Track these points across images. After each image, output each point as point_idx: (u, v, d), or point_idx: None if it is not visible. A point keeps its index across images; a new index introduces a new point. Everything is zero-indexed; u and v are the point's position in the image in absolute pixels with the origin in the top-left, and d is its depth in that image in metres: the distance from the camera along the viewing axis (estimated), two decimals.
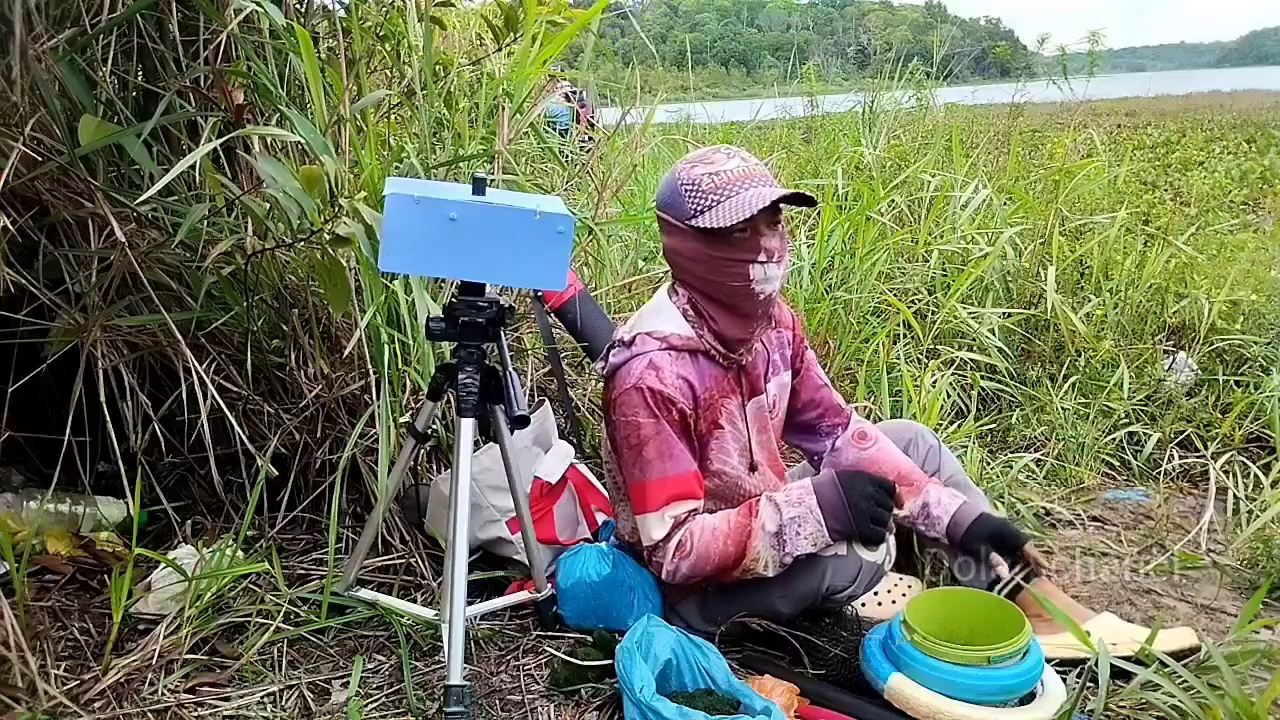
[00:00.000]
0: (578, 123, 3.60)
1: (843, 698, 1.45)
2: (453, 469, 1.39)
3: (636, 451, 1.50)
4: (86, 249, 1.64)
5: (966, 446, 2.20)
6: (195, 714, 1.41)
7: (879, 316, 2.85)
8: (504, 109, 2.00)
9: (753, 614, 1.57)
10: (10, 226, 1.44)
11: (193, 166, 1.44)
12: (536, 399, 2.14)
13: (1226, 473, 2.27)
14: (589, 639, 1.58)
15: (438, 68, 2.00)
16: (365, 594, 1.65)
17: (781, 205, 1.49)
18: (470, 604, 1.50)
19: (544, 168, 2.63)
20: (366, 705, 1.46)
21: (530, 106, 2.17)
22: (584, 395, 2.33)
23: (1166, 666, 1.38)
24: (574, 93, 3.78)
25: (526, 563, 1.65)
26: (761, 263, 1.48)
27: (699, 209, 1.47)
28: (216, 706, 1.43)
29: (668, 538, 1.49)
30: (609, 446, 1.62)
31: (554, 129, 3.33)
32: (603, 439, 1.67)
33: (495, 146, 1.97)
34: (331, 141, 1.62)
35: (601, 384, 1.61)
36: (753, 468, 1.62)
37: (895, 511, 1.52)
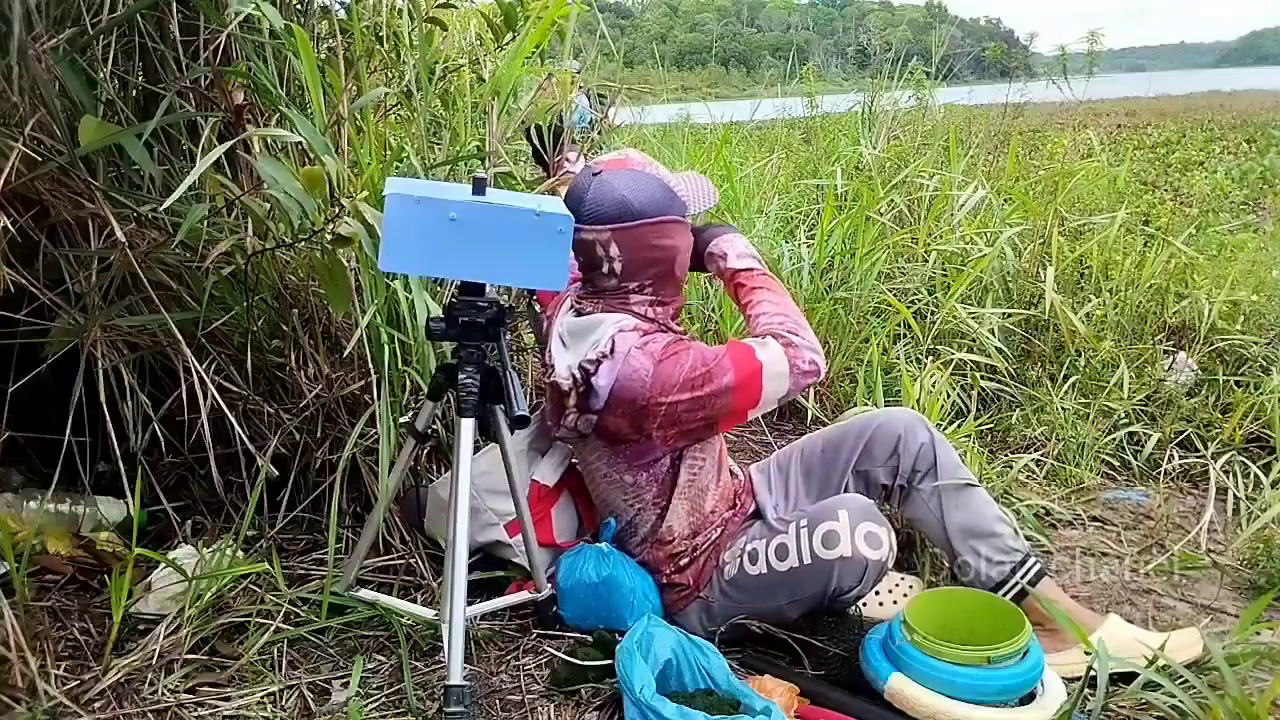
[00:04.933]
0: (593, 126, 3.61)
1: (843, 698, 1.45)
2: (452, 469, 1.39)
3: (708, 373, 1.51)
4: (86, 249, 1.64)
5: (966, 447, 2.20)
6: (195, 714, 1.42)
7: (879, 316, 2.85)
8: (492, 107, 1.99)
9: (760, 619, 1.57)
10: (10, 226, 1.44)
11: (193, 166, 1.45)
12: (536, 400, 2.14)
13: (1226, 473, 2.27)
14: (589, 639, 1.58)
15: (436, 66, 2.00)
16: (365, 594, 1.64)
17: None
18: (470, 604, 1.50)
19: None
20: (366, 705, 1.46)
21: (526, 104, 2.17)
22: None
23: (1167, 667, 1.38)
24: (589, 93, 3.79)
25: (526, 565, 1.65)
26: None
27: (685, 199, 1.61)
28: (216, 706, 1.43)
29: (784, 344, 1.53)
30: (669, 439, 1.58)
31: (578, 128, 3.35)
32: (623, 463, 1.64)
33: (488, 145, 1.97)
34: (331, 141, 1.62)
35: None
36: None
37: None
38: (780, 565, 1.52)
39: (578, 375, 1.55)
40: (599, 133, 3.44)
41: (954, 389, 2.48)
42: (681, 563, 1.65)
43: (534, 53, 2.08)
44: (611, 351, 1.53)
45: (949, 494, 1.66)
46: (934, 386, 2.29)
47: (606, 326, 1.56)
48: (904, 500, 1.70)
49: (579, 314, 1.63)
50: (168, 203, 1.36)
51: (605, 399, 1.53)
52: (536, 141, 1.99)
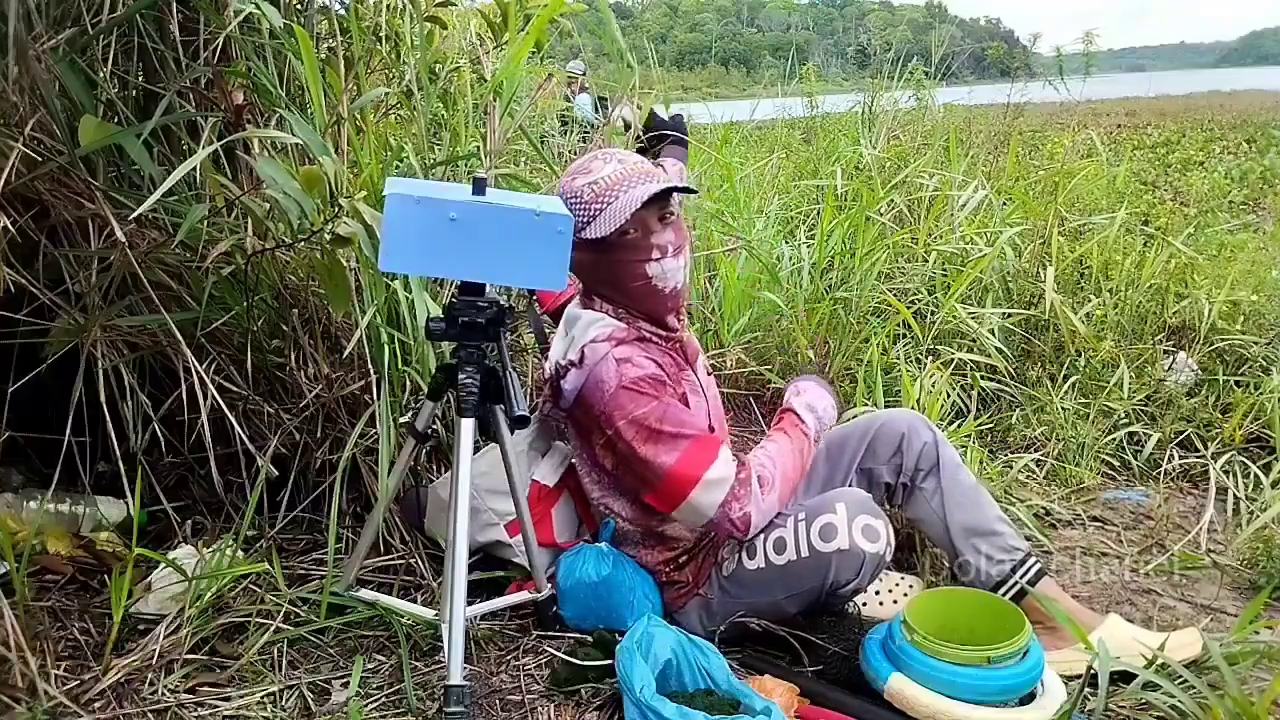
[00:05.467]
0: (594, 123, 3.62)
1: (843, 698, 1.45)
2: (452, 469, 1.39)
3: (659, 435, 1.48)
4: (86, 249, 1.64)
5: (966, 446, 2.20)
6: (195, 714, 1.42)
7: (879, 316, 2.85)
8: (493, 108, 1.99)
9: (759, 616, 1.57)
10: (10, 226, 1.44)
11: (193, 166, 1.44)
12: (536, 400, 2.14)
13: (1226, 473, 2.27)
14: (589, 639, 1.58)
15: (436, 66, 2.00)
16: (365, 594, 1.64)
17: (673, 197, 1.54)
18: (470, 604, 1.50)
19: (542, 168, 2.63)
20: (366, 705, 1.46)
21: (528, 104, 2.17)
22: None
23: (1167, 667, 1.38)
24: (587, 88, 3.80)
25: (526, 565, 1.65)
26: (657, 259, 1.55)
27: (585, 221, 1.51)
28: (216, 706, 1.43)
29: (742, 480, 1.47)
30: (606, 464, 1.61)
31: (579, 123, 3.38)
32: (587, 463, 1.67)
33: (488, 146, 1.97)
34: (331, 141, 1.62)
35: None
36: (710, 431, 1.65)
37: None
38: (778, 559, 1.52)
39: (552, 370, 1.60)
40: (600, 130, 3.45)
41: (954, 389, 2.48)
42: (680, 560, 1.66)
43: (534, 52, 2.08)
44: (580, 362, 1.55)
45: (951, 493, 1.67)
46: (934, 386, 2.29)
47: (583, 327, 1.60)
48: (906, 499, 1.71)
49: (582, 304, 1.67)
50: (155, 196, 1.35)
51: (571, 401, 1.58)
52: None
